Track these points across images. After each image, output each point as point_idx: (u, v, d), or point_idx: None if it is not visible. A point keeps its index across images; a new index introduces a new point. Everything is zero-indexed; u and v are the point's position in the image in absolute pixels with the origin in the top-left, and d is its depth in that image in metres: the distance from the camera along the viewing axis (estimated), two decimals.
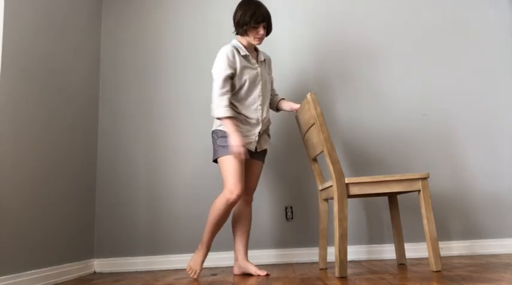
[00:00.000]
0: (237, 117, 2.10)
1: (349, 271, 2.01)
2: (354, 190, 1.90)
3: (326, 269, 2.17)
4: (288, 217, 2.64)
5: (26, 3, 2.06)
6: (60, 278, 2.19)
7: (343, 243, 1.85)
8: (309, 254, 2.57)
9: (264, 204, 2.65)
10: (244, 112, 2.12)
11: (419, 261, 2.31)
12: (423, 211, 1.89)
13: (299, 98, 2.75)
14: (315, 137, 2.03)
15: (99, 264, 2.61)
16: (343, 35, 2.87)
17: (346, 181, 1.89)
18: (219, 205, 2.02)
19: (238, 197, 2.00)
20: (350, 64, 2.82)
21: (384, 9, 2.89)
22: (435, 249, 1.85)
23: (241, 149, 1.96)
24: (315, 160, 2.29)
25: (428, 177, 2.09)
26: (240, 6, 2.15)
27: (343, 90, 2.79)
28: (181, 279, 2.09)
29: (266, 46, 2.83)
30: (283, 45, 2.86)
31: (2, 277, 1.76)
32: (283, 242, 2.61)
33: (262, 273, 2.07)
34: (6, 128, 1.86)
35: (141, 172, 2.72)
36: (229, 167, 2.02)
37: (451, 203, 2.63)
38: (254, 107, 2.14)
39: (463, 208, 2.62)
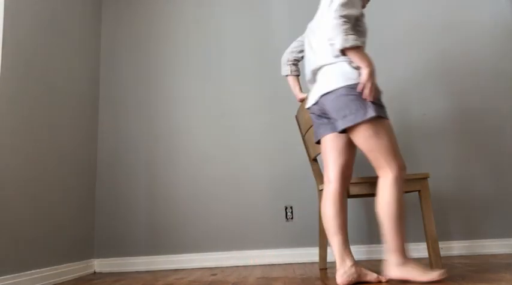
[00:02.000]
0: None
1: None
2: (354, 190, 1.90)
3: (326, 269, 2.17)
4: (288, 217, 2.64)
5: (26, 3, 2.06)
6: (60, 278, 2.19)
7: None
8: (309, 254, 2.57)
9: (264, 204, 2.65)
10: None
11: (419, 261, 2.31)
12: (423, 211, 1.89)
13: None
14: None
15: (99, 264, 2.61)
16: None
17: None
18: (398, 192, 1.57)
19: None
20: None
21: (382, 9, 2.89)
22: (435, 249, 1.85)
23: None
24: (315, 160, 2.29)
25: (429, 177, 2.09)
26: None
27: None
28: (181, 279, 2.09)
29: (263, 39, 2.84)
30: (283, 42, 2.86)
31: (2, 277, 1.76)
32: (283, 242, 2.61)
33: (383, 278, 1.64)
34: (6, 128, 1.86)
35: (141, 172, 2.72)
36: (390, 136, 1.59)
37: (451, 203, 2.62)
38: None
39: (463, 208, 2.62)
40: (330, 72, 1.69)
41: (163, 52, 2.90)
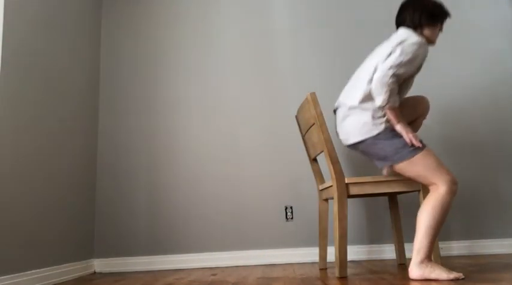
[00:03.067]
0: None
1: (349, 271, 2.01)
2: (354, 190, 1.90)
3: (326, 269, 2.17)
4: (288, 217, 2.64)
5: (26, 3, 2.06)
6: (60, 278, 2.19)
7: (343, 243, 1.85)
8: (309, 254, 2.57)
9: (264, 204, 2.65)
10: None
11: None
12: None
13: (299, 98, 2.76)
14: (315, 137, 2.03)
15: (99, 264, 2.61)
16: (344, 34, 2.86)
17: (346, 181, 1.89)
18: (447, 203, 1.66)
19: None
20: (351, 64, 2.81)
21: (382, 9, 2.89)
22: (435, 250, 1.85)
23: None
24: (315, 160, 2.29)
25: None
26: None
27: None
28: (181, 279, 2.09)
29: (264, 39, 2.84)
30: (283, 42, 2.86)
31: (2, 277, 1.76)
32: (283, 242, 2.61)
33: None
34: (6, 128, 1.86)
35: (141, 171, 2.72)
36: (432, 160, 1.70)
37: (451, 203, 2.62)
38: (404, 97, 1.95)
39: (463, 208, 2.62)
40: (354, 120, 1.82)
41: (163, 52, 2.89)
